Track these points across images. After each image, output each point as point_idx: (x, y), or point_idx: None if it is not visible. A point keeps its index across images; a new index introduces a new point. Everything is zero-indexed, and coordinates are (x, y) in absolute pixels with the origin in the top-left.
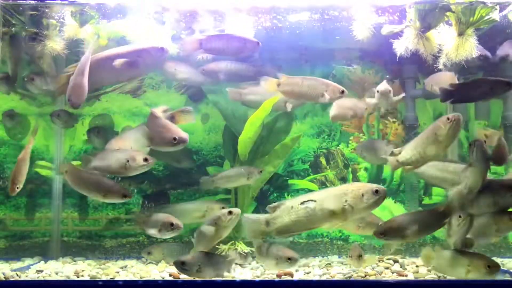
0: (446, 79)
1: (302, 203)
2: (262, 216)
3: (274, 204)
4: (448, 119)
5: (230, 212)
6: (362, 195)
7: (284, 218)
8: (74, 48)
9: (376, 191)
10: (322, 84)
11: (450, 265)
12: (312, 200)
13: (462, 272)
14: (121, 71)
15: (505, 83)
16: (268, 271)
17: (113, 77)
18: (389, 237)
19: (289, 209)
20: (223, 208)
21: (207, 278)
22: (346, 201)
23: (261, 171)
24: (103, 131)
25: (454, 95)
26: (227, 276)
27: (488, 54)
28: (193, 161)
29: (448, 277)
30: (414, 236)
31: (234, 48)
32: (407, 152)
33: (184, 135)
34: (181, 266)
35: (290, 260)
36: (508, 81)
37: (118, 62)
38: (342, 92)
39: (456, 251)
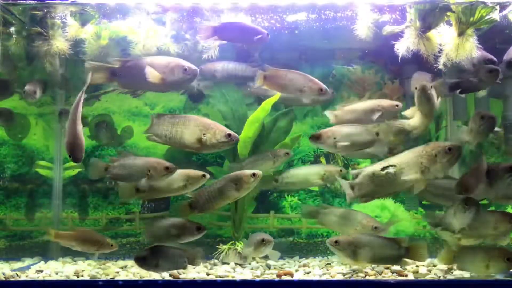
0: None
1: (383, 169)
2: (345, 182)
3: (355, 171)
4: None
5: (253, 174)
6: (435, 155)
7: (368, 184)
8: (75, 48)
9: (449, 149)
10: (304, 79)
11: (471, 261)
12: (392, 166)
13: (482, 266)
14: (147, 82)
15: (488, 70)
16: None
17: (138, 85)
18: (340, 248)
19: (370, 175)
20: (340, 171)
21: (165, 271)
22: (422, 163)
23: (287, 153)
24: (110, 126)
25: (459, 87)
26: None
27: (493, 58)
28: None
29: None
30: (364, 257)
31: (245, 37)
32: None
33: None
34: (142, 261)
35: (264, 241)
36: (491, 69)
37: (151, 75)
38: (321, 90)
39: (475, 247)
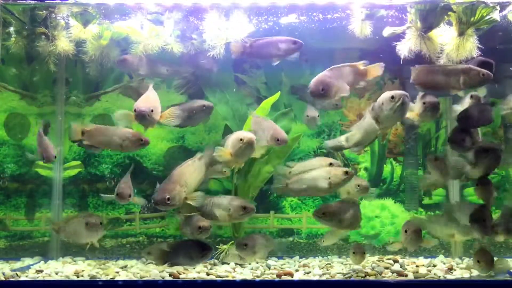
0: None
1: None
2: (342, 136)
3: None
4: None
5: (241, 140)
6: (382, 103)
7: (360, 134)
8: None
9: (392, 97)
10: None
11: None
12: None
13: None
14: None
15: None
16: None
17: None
18: (327, 219)
19: (361, 124)
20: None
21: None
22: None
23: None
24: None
25: None
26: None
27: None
28: None
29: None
30: (347, 224)
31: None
32: None
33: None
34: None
35: (241, 245)
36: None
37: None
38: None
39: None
